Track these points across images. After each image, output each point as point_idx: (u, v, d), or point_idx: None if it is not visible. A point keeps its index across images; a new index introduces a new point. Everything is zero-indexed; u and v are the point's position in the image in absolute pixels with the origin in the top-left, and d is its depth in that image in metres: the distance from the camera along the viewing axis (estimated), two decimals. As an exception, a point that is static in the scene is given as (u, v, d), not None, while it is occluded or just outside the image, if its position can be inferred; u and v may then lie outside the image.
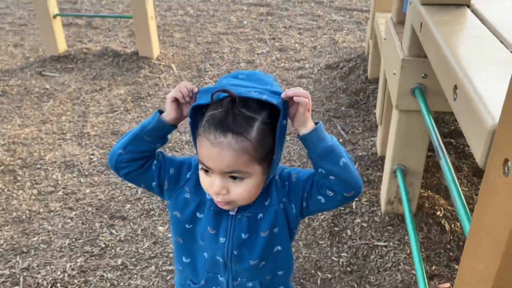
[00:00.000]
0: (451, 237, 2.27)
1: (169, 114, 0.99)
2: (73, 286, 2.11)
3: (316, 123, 0.96)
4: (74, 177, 2.90)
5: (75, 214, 2.58)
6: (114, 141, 3.28)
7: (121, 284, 2.12)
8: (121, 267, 2.23)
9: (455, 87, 1.12)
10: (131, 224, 2.51)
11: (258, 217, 1.01)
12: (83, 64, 4.49)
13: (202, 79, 4.23)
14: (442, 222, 2.35)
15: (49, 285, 2.10)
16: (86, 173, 2.94)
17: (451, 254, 2.18)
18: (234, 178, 0.92)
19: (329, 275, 2.16)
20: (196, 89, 0.99)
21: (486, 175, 0.88)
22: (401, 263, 2.13)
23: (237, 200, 0.94)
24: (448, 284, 2.01)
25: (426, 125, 1.74)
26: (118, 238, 2.41)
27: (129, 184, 2.83)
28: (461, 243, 2.24)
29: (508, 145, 0.79)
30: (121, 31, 5.41)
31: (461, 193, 1.30)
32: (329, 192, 0.97)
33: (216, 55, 4.74)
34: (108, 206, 2.64)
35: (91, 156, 3.11)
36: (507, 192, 0.78)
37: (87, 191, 2.78)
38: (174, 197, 1.04)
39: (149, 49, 4.50)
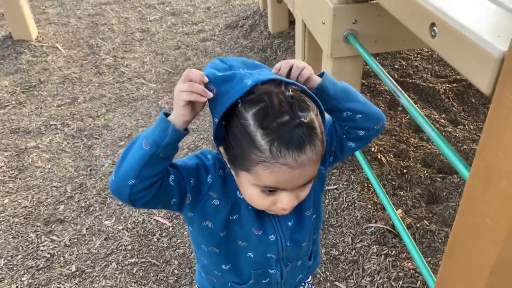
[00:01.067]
0: (390, 169, 2.48)
1: (184, 119, 0.80)
2: (28, 308, 1.87)
3: (320, 75, 0.95)
4: (-18, 189, 2.49)
5: (0, 230, 2.24)
6: (17, 140, 2.88)
7: (84, 290, 1.94)
8: (77, 273, 2.02)
9: (432, 24, 1.18)
10: (72, 225, 2.27)
11: None
12: None
13: (97, 56, 3.86)
14: (379, 156, 2.55)
15: (-2, 314, 1.83)
16: (-3, 181, 2.55)
17: (393, 183, 2.39)
18: (304, 184, 0.83)
19: (294, 228, 2.22)
20: (206, 78, 0.81)
21: (497, 102, 0.96)
22: (356, 201, 2.28)
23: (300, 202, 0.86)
24: (400, 210, 2.21)
25: (372, 68, 1.82)
26: (62, 243, 2.17)
27: (54, 184, 2.54)
28: (398, 172, 2.46)
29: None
30: (-21, 13, 4.62)
31: (432, 126, 1.40)
32: (360, 132, 0.94)
33: (105, 28, 4.33)
34: (37, 213, 2.34)
35: (-4, 162, 2.69)
36: (531, 112, 0.86)
37: (6, 201, 2.42)
38: (199, 208, 0.90)
39: (25, 30, 3.94)
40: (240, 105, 0.78)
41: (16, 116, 3.12)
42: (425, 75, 3.35)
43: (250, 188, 0.83)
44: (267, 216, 0.94)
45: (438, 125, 2.83)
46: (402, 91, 1.62)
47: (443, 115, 2.96)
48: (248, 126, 0.76)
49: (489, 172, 1.02)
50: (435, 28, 1.17)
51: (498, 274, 1.07)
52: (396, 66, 3.47)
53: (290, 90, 0.80)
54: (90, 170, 2.63)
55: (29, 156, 2.74)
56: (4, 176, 2.59)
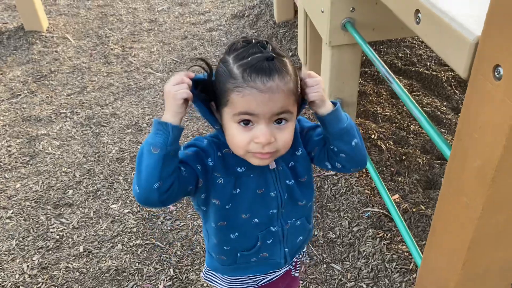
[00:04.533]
0: (389, 155, 2.52)
1: (181, 116, 0.90)
2: (38, 285, 1.97)
3: (334, 103, 0.99)
4: (-5, 174, 2.60)
5: (12, 213, 2.35)
6: (28, 128, 2.98)
7: (91, 270, 2.03)
8: (84, 253, 2.12)
9: (417, 11, 1.22)
10: (80, 209, 2.37)
11: (289, 165, 1.04)
12: (-41, 48, 3.89)
13: (106, 46, 3.95)
14: (379, 143, 2.59)
15: (11, 291, 1.94)
16: (9, 167, 2.65)
17: (392, 169, 2.43)
18: (279, 122, 0.90)
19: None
20: (191, 73, 0.93)
21: (472, 85, 1.01)
22: (354, 186, 2.33)
23: (281, 148, 0.93)
24: (397, 195, 2.26)
25: (368, 56, 1.87)
26: (71, 226, 2.27)
27: (64, 169, 2.63)
28: (397, 159, 2.50)
29: (495, 52, 0.91)
30: (-8, 5, 4.74)
31: (423, 112, 1.45)
32: (338, 165, 1.04)
33: (114, 18, 4.41)
34: (48, 197, 2.44)
35: (9, 149, 2.79)
36: (501, 93, 0.90)
37: (17, 185, 2.52)
38: (210, 188, 0.99)
39: (36, 22, 4.03)
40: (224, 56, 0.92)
41: (27, 105, 3.23)
42: (428, 63, 3.36)
43: (231, 126, 0.91)
44: (269, 175, 1.02)
45: (439, 113, 2.85)
46: (394, 77, 1.66)
47: (444, 103, 2.98)
48: (228, 64, 0.90)
49: (465, 153, 1.07)
50: (419, 14, 1.21)
51: (475, 250, 1.12)
52: (400, 55, 3.49)
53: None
54: (98, 157, 2.72)
55: (40, 143, 2.84)
56: (16, 162, 2.69)
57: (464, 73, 1.03)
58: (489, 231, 1.08)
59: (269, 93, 0.86)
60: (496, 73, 0.92)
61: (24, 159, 2.72)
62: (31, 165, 2.68)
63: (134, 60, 3.76)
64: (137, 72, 3.60)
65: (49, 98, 3.31)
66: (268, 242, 1.10)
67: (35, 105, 3.23)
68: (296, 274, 1.23)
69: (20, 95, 3.34)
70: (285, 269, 1.22)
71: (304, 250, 1.25)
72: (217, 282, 1.22)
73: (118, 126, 2.99)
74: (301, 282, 1.90)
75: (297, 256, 1.22)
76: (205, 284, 1.92)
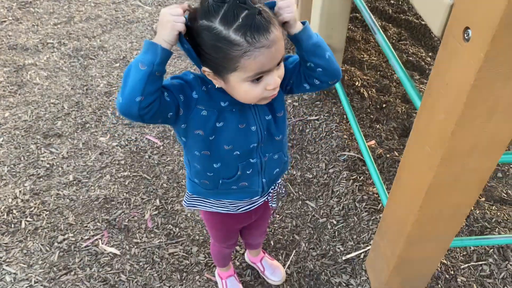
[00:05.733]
0: (370, 102, 2.61)
1: (172, 44, 0.94)
2: (31, 210, 2.09)
3: (303, 23, 1.05)
4: (-16, 102, 2.63)
5: (3, 140, 2.42)
6: (15, 56, 2.97)
7: (81, 197, 2.15)
8: (74, 182, 2.23)
9: (403, -33, 1.25)
10: (69, 140, 2.45)
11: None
12: None
13: (93, -25, 3.82)
14: (361, 90, 2.67)
15: (4, 214, 2.05)
16: (-3, 95, 2.68)
17: (371, 116, 2.54)
18: (278, 64, 0.98)
19: (275, 153, 2.41)
20: (188, 7, 0.95)
21: (444, 44, 1.08)
22: (334, 131, 2.44)
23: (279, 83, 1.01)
24: (373, 141, 2.38)
25: (355, 3, 1.89)
26: (61, 155, 2.36)
27: (52, 100, 2.68)
28: (378, 107, 2.60)
29: (467, 16, 0.97)
30: None
31: (401, 64, 1.52)
32: (316, 81, 1.11)
33: None
34: (37, 127, 2.51)
35: (-4, 76, 2.80)
36: (468, 54, 0.98)
37: (6, 114, 2.57)
38: (191, 119, 1.05)
39: None
40: (202, 21, 0.91)
41: (13, 33, 3.18)
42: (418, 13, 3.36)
43: (241, 86, 0.97)
44: (249, 111, 1.10)
45: (423, 63, 2.92)
46: (379, 28, 1.71)
47: (430, 54, 3.04)
48: (220, 32, 0.90)
49: (433, 106, 1.16)
50: (405, -31, 1.24)
51: (432, 194, 1.25)
52: (392, 1, 3.48)
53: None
54: (86, 90, 2.76)
55: (27, 73, 2.85)
56: (4, 90, 2.72)
57: (438, 32, 1.10)
58: (445, 179, 1.20)
59: (274, 45, 0.92)
60: (465, 35, 0.99)
61: (12, 88, 2.74)
62: (19, 94, 2.71)
63: (123, -9, 3.67)
64: (125, 4, 3.53)
65: (35, 26, 3.26)
66: (247, 172, 1.20)
67: (21, 33, 3.18)
68: (274, 205, 1.36)
69: (4, 21, 3.28)
70: (263, 199, 1.34)
71: (279, 181, 1.37)
72: (199, 205, 1.33)
73: (106, 59, 2.99)
74: (278, 216, 2.06)
75: (272, 187, 1.33)
76: (189, 214, 2.07)
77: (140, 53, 0.95)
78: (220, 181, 1.20)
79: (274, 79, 0.97)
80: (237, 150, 1.14)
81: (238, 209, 1.32)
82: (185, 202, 1.34)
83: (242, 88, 0.98)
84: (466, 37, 0.98)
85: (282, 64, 1.01)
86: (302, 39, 1.04)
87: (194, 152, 1.15)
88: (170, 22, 0.92)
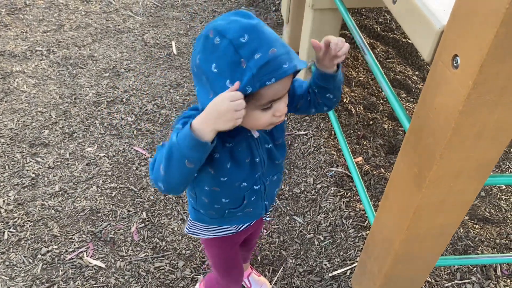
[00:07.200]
0: (357, 119, 2.65)
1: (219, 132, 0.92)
2: (14, 220, 2.05)
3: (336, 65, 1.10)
4: (-31, 108, 2.59)
5: (-13, 148, 2.38)
6: (3, 63, 2.93)
7: (66, 209, 2.12)
8: (60, 192, 2.20)
9: (394, -8, 1.29)
10: (56, 149, 2.42)
11: (267, 131, 1.12)
12: None
13: (84, -17, 3.81)
14: (349, 107, 2.71)
15: (-13, 224, 2.02)
16: (-17, 102, 2.64)
17: (359, 133, 2.57)
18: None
19: (263, 167, 2.42)
20: (238, 84, 0.88)
21: (433, 69, 1.11)
22: (322, 147, 2.46)
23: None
24: (360, 158, 2.41)
25: (346, 22, 1.93)
26: (47, 165, 2.33)
27: (40, 108, 2.65)
28: (365, 123, 2.64)
29: (456, 43, 1.00)
30: None
31: (388, 82, 1.55)
32: (325, 108, 1.18)
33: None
34: (23, 135, 2.47)
35: (-18, 83, 2.76)
36: (456, 81, 1.01)
37: (-8, 122, 2.53)
38: (207, 161, 1.03)
39: (9, -51, 3.82)
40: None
41: (1, 39, 3.15)
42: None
43: (252, 113, 0.96)
44: (252, 145, 1.11)
45: (410, 82, 2.97)
46: (369, 48, 1.74)
47: (416, 72, 3.10)
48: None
49: (421, 129, 1.19)
50: (396, -5, 1.28)
51: (419, 215, 1.27)
52: (380, 20, 3.55)
53: None
54: (75, 99, 2.74)
55: (14, 80, 2.82)
56: (-10, 97, 2.68)
57: (428, 57, 1.13)
58: (432, 200, 1.22)
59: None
60: (454, 62, 1.02)
61: (-1, 95, 2.70)
62: (5, 102, 2.67)
63: (114, 0, 3.67)
64: (116, 14, 3.53)
65: (24, 33, 3.23)
66: (252, 199, 1.21)
67: (9, 39, 3.15)
68: (268, 219, 1.39)
69: (-7, 27, 3.24)
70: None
71: None
72: (202, 233, 1.33)
73: (95, 69, 2.98)
74: (265, 231, 2.06)
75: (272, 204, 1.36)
76: (175, 228, 2.06)
77: (184, 143, 0.89)
78: (227, 211, 1.22)
79: (283, 106, 0.99)
80: (244, 182, 1.15)
81: (239, 229, 1.34)
82: (187, 229, 1.35)
83: (253, 116, 0.97)
84: (455, 64, 1.01)
85: (285, 97, 1.02)
86: (336, 78, 1.10)
87: (203, 187, 1.15)
88: (230, 112, 0.85)
